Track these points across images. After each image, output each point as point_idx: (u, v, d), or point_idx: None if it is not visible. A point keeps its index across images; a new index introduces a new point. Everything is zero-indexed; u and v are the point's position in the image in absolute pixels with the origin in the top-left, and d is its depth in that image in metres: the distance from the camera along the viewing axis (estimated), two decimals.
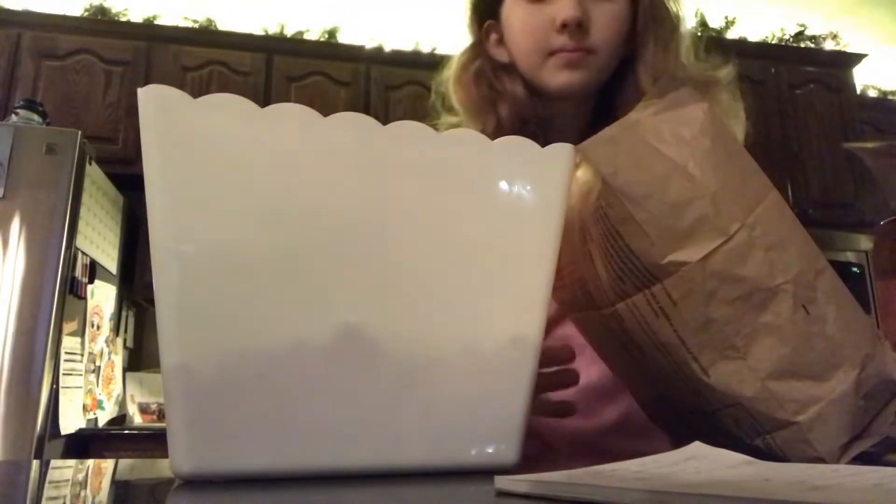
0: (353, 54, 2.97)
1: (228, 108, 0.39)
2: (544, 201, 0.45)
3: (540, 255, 0.45)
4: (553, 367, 0.56)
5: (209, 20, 3.06)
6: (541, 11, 0.71)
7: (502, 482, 0.34)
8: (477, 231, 0.44)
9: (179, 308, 0.38)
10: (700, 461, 0.37)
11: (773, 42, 3.41)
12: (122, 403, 2.56)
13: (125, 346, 2.66)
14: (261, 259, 0.39)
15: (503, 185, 0.44)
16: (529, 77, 0.74)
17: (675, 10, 0.76)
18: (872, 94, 3.62)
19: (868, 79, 3.58)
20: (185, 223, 0.38)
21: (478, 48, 0.79)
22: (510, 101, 0.76)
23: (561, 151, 0.46)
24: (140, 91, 0.38)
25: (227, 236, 0.39)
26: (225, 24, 3.07)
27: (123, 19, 2.97)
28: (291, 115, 0.40)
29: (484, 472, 0.39)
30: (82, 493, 0.39)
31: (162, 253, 0.38)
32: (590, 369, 0.66)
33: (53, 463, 0.57)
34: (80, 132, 2.11)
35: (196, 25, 3.02)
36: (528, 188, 0.45)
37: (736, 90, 0.75)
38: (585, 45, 0.70)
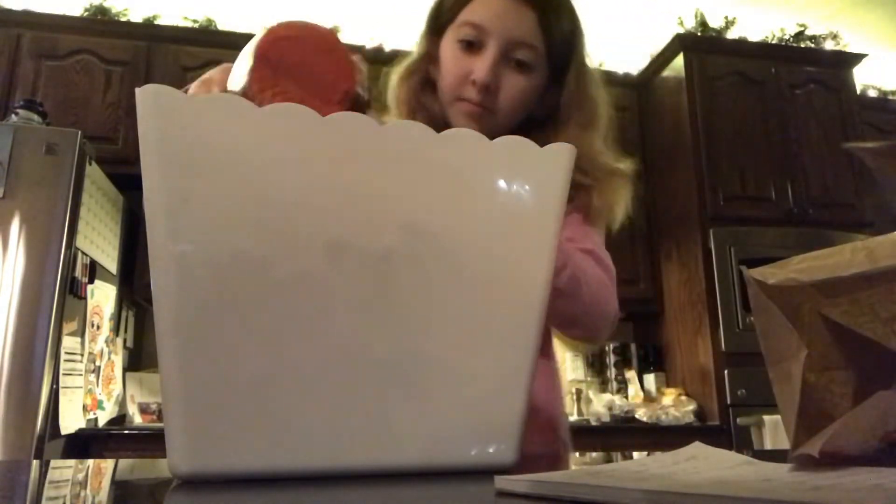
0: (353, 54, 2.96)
1: (226, 107, 0.39)
2: (543, 201, 0.45)
3: (538, 254, 0.45)
4: None
5: (209, 20, 3.06)
6: (465, 60, 0.79)
7: (502, 482, 0.34)
8: (476, 230, 0.44)
9: (177, 308, 0.38)
10: (700, 461, 0.37)
11: (773, 42, 3.41)
12: (122, 403, 2.56)
13: (125, 346, 2.65)
14: (259, 259, 0.39)
15: (502, 184, 0.44)
16: (442, 107, 0.84)
17: (597, 98, 0.86)
18: (872, 94, 3.61)
19: (868, 79, 3.58)
20: (183, 223, 0.38)
21: (426, 60, 0.86)
22: (429, 115, 0.86)
23: (560, 151, 0.46)
24: (138, 91, 0.38)
25: (224, 236, 0.39)
26: (225, 24, 3.07)
27: (123, 19, 2.97)
28: (289, 115, 0.40)
29: (483, 472, 0.39)
30: (82, 493, 0.39)
31: (160, 253, 0.38)
32: None
33: (53, 463, 0.57)
34: (79, 132, 2.10)
35: (196, 25, 3.02)
36: (527, 188, 0.45)
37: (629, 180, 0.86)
38: (487, 104, 0.79)
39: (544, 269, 0.45)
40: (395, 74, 0.89)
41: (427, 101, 0.86)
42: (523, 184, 0.45)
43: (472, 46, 0.79)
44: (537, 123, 0.84)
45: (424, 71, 0.86)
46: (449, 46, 0.81)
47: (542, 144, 0.82)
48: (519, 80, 0.80)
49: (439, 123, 0.83)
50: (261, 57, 0.52)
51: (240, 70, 0.54)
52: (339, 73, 0.56)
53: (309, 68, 0.54)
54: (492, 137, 0.82)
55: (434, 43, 0.85)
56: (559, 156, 0.46)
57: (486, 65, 0.77)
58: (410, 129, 0.42)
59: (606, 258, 0.82)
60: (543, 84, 0.83)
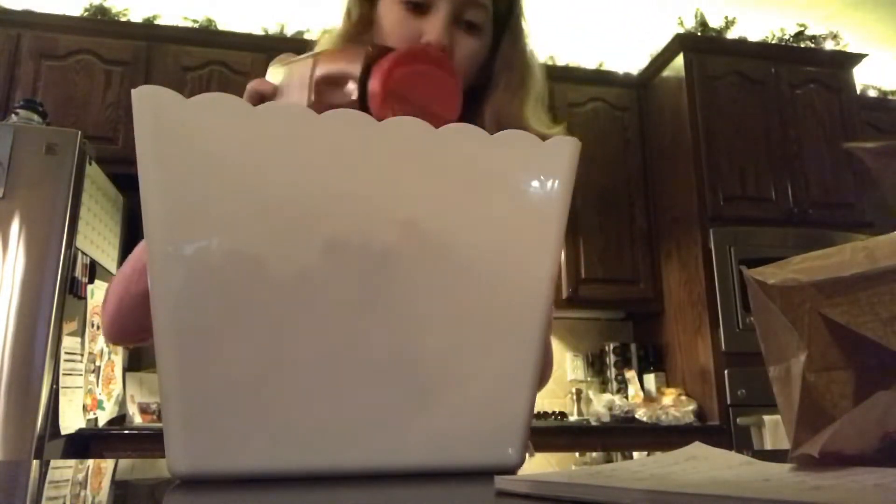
0: None
1: (222, 107, 0.39)
2: (547, 196, 0.44)
3: (543, 251, 0.45)
4: None
5: (209, 20, 3.06)
6: (412, 23, 0.73)
7: (502, 482, 0.34)
8: (478, 227, 0.43)
9: (175, 308, 0.38)
10: (700, 461, 0.37)
11: (773, 42, 3.41)
12: (122, 403, 2.56)
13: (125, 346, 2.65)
14: (257, 259, 0.39)
15: (504, 179, 0.44)
16: None
17: (530, 62, 0.80)
18: (872, 94, 3.62)
19: (868, 79, 3.58)
20: (181, 223, 0.38)
21: (360, 25, 0.79)
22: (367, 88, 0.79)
23: (565, 144, 0.45)
24: (134, 92, 0.38)
25: (222, 236, 0.39)
26: (225, 24, 3.07)
27: (123, 19, 2.97)
28: (285, 114, 0.40)
29: (487, 474, 0.39)
30: (82, 493, 0.39)
31: (158, 253, 0.38)
32: None
33: (53, 463, 0.57)
34: (79, 132, 2.10)
35: (196, 25, 3.02)
36: (531, 183, 0.44)
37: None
38: None
39: (549, 265, 0.44)
40: (333, 39, 0.81)
41: None
42: (526, 179, 0.44)
43: (418, 8, 0.73)
44: (469, 92, 0.77)
45: (362, 37, 0.78)
46: (390, 9, 0.74)
47: (473, 111, 0.80)
48: (470, 43, 0.74)
49: None
50: (387, 94, 0.54)
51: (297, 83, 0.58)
52: (449, 95, 0.59)
53: (426, 98, 0.57)
54: None
55: (369, 6, 0.78)
56: (564, 149, 0.45)
57: (440, 26, 0.71)
58: (409, 124, 0.42)
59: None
60: (489, 46, 0.77)
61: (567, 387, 3.08)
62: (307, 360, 0.40)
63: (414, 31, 0.72)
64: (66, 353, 2.03)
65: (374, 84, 0.58)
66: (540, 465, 0.58)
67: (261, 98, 0.61)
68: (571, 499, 0.30)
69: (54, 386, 1.96)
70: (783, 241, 2.79)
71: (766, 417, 2.38)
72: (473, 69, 0.76)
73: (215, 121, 0.39)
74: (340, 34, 0.81)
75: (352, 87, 0.58)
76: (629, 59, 3.33)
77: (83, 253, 2.13)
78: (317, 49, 0.82)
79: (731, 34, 3.24)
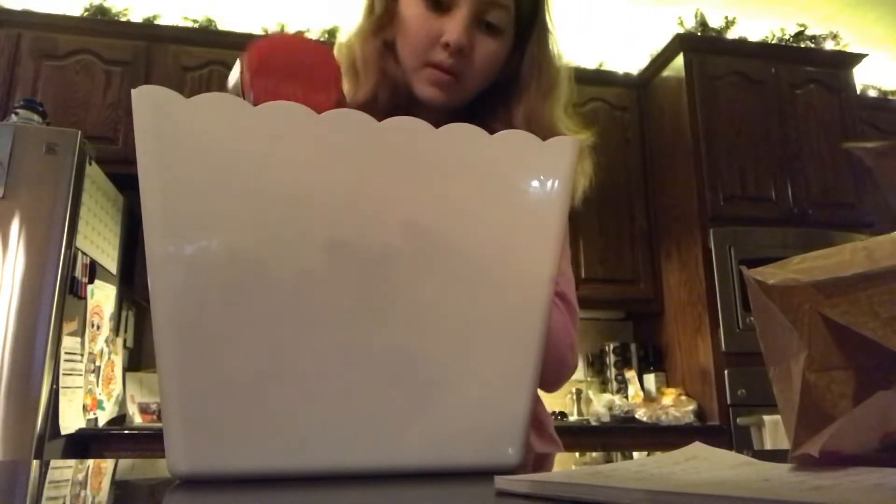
0: None
1: (222, 107, 0.39)
2: (548, 196, 0.45)
3: (543, 251, 0.45)
4: None
5: (209, 20, 3.06)
6: (433, 21, 0.73)
7: (502, 482, 0.34)
8: (478, 228, 0.43)
9: (175, 307, 0.38)
10: (700, 461, 0.37)
11: (773, 42, 3.41)
12: (122, 403, 2.56)
13: (125, 346, 2.65)
14: (256, 258, 0.39)
15: (504, 179, 0.44)
16: (404, 72, 0.77)
17: (558, 63, 0.80)
18: (872, 94, 3.62)
19: (868, 79, 3.58)
20: (181, 223, 0.38)
21: (386, 19, 0.78)
22: (390, 83, 0.79)
23: (565, 144, 0.45)
24: (134, 92, 0.38)
25: (222, 236, 0.39)
26: (225, 24, 3.07)
27: (123, 19, 2.97)
28: (285, 113, 0.40)
29: (487, 474, 0.39)
30: (82, 493, 0.39)
31: (157, 253, 0.38)
32: None
33: (53, 463, 0.57)
34: (79, 132, 2.10)
35: (196, 25, 3.02)
36: (531, 183, 0.44)
37: (588, 150, 0.81)
38: (458, 70, 0.74)
39: (549, 266, 0.45)
40: (354, 35, 0.81)
41: (388, 66, 0.79)
42: (527, 179, 0.44)
43: (439, 6, 0.73)
44: (495, 90, 0.79)
45: (385, 32, 0.79)
46: (412, 4, 0.75)
47: (502, 113, 0.81)
48: (490, 45, 0.74)
49: (401, 92, 0.79)
50: (255, 70, 0.53)
51: (236, 88, 0.56)
52: (323, 59, 0.58)
53: (298, 64, 0.56)
54: (457, 106, 0.80)
55: (393, 1, 0.78)
56: (564, 149, 0.45)
57: (461, 26, 0.71)
58: (409, 124, 0.42)
59: (573, 293, 0.78)
60: (509, 48, 0.78)
61: (567, 387, 3.08)
62: (307, 360, 0.40)
63: (434, 29, 0.73)
64: (66, 353, 2.03)
65: (242, 78, 0.57)
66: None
67: None
68: (571, 499, 0.30)
69: (54, 386, 1.96)
70: (783, 241, 2.79)
71: (766, 417, 2.38)
72: (493, 70, 0.77)
73: (215, 121, 0.39)
74: (359, 30, 0.81)
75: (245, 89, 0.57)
76: (629, 59, 3.33)
77: (83, 253, 2.13)
78: (336, 51, 0.83)
79: (731, 34, 3.25)
